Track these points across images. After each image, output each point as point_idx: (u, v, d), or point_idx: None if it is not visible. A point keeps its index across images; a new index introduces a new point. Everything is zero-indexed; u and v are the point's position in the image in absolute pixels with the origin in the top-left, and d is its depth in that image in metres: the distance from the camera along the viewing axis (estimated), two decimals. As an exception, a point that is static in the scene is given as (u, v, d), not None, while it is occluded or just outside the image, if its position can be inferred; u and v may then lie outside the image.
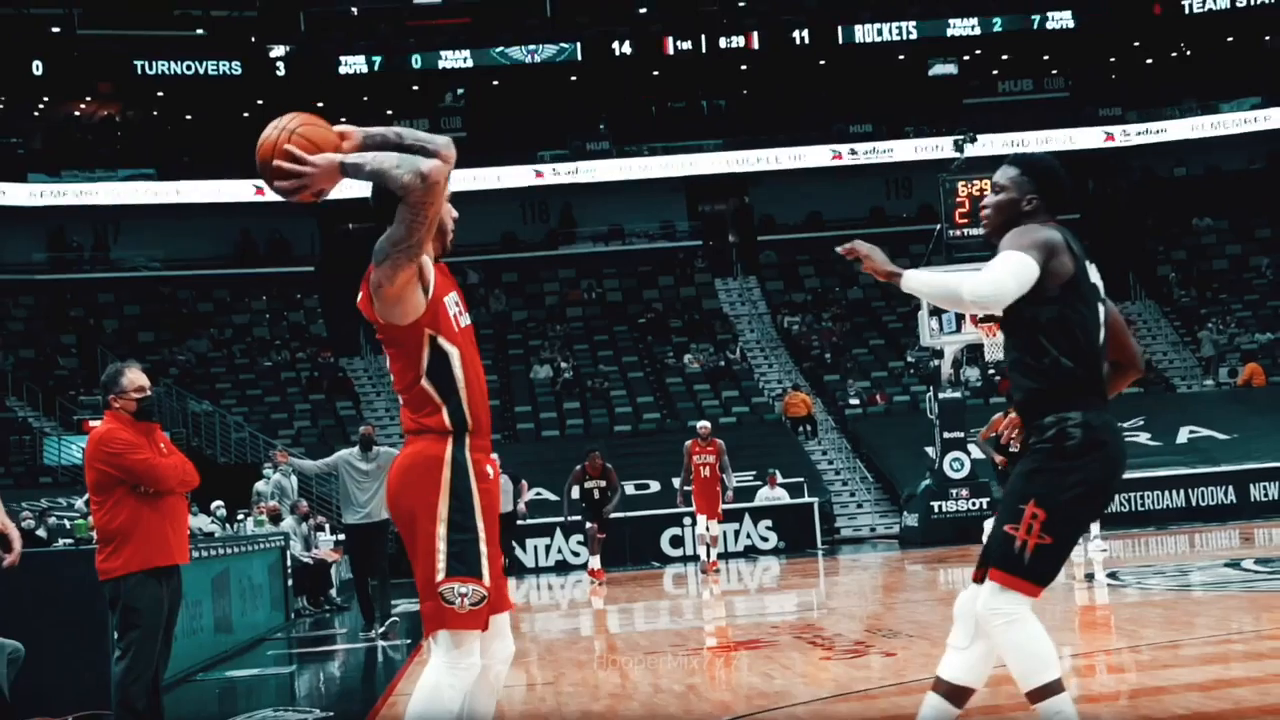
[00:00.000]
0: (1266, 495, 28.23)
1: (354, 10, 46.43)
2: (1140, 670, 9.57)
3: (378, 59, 44.50)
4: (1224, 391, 37.52)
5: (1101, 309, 5.62)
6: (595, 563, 22.47)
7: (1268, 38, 47.28)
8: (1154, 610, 13.60)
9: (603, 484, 22.01)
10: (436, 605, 5.31)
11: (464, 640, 5.36)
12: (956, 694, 5.66)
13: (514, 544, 25.82)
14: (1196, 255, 44.74)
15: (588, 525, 22.23)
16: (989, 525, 20.30)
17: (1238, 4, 45.43)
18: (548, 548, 27.80)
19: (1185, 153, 46.20)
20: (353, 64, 44.26)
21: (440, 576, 5.30)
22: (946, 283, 5.55)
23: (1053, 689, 5.41)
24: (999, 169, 5.80)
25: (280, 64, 44.10)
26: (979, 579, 5.63)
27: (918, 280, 5.58)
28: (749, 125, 45.48)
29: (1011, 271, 5.43)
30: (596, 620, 17.58)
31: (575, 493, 22.26)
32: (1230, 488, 28.51)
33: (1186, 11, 45.76)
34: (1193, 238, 45.26)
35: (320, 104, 45.53)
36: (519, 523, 25.44)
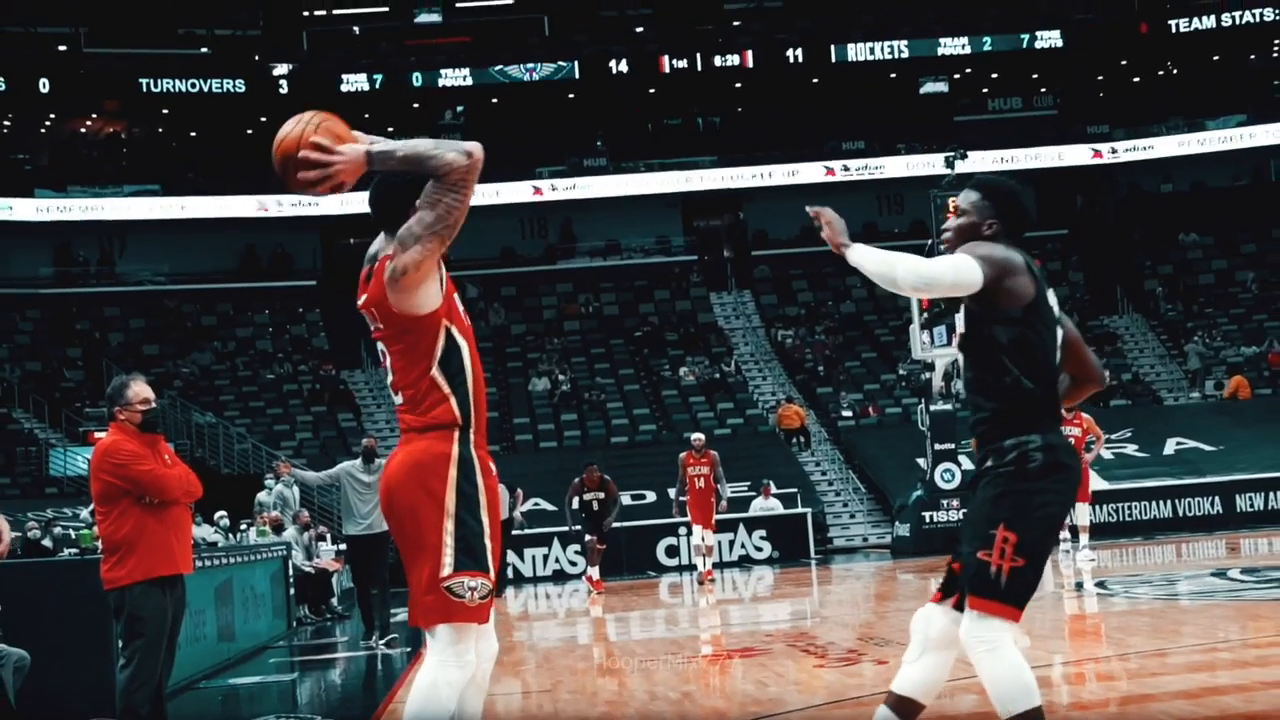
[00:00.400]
0: (1252, 506, 28.23)
1: (355, 29, 46.50)
2: (1128, 678, 9.56)
3: (379, 77, 44.52)
4: (1210, 404, 37.52)
5: (1059, 330, 5.60)
6: (594, 573, 22.44)
7: (1253, 56, 47.40)
8: (1142, 619, 13.59)
9: (601, 495, 21.92)
10: (440, 599, 5.27)
11: (466, 634, 5.35)
12: (904, 706, 5.63)
13: (508, 552, 25.69)
14: (1183, 270, 44.77)
15: (586, 537, 22.20)
16: None
17: (1223, 24, 45.54)
18: (545, 557, 27.75)
19: (1172, 169, 46.24)
20: (354, 82, 44.27)
21: (447, 571, 5.26)
22: (888, 260, 5.48)
23: (1033, 717, 5.36)
24: (962, 192, 5.78)
25: (283, 82, 44.10)
26: (939, 600, 5.61)
27: (862, 254, 5.51)
28: (743, 142, 45.52)
29: (953, 266, 5.42)
30: (594, 629, 17.56)
31: (575, 504, 22.20)
32: (1216, 498, 28.50)
33: (1173, 31, 45.88)
34: (1179, 252, 45.29)
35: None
36: (514, 531, 25.43)
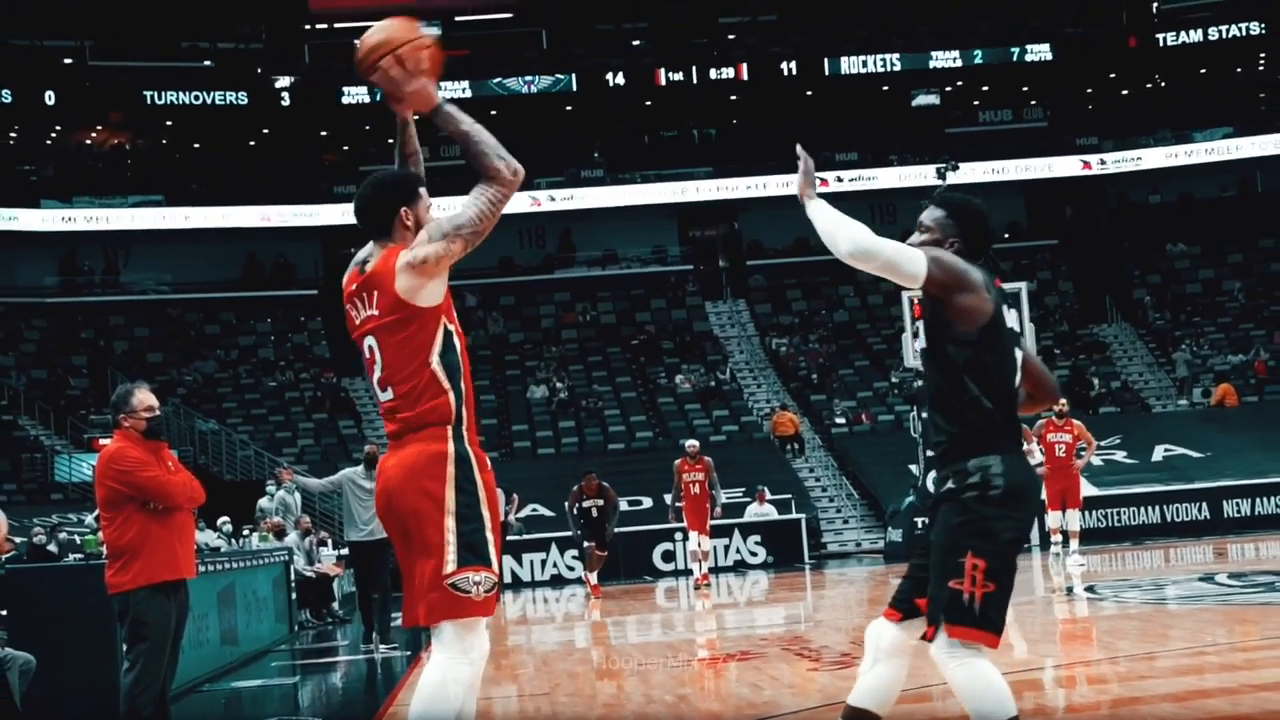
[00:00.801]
0: (1239, 511, 28.24)
1: (356, 43, 46.43)
2: (1118, 682, 9.57)
3: (380, 90, 44.41)
4: (1198, 411, 37.55)
5: (1018, 352, 5.54)
6: (593, 578, 22.43)
7: (1239, 70, 47.50)
8: (1131, 623, 13.60)
9: (600, 503, 21.88)
10: (445, 596, 5.25)
11: (473, 629, 5.34)
12: (856, 717, 5.60)
13: (505, 557, 25.65)
14: (1171, 279, 44.80)
15: (585, 544, 22.20)
16: None
17: (1210, 37, 45.61)
18: (543, 562, 27.74)
19: (1160, 180, 46.26)
20: (355, 94, 44.32)
21: (451, 568, 5.25)
22: (841, 223, 5.42)
23: None
24: (926, 209, 5.74)
25: (285, 94, 44.18)
26: (897, 619, 5.54)
27: (819, 209, 5.48)
28: (738, 154, 45.53)
29: (897, 249, 5.36)
30: (591, 633, 17.55)
31: (574, 511, 22.15)
32: (1204, 504, 28.51)
33: (1161, 45, 45.95)
34: (1167, 262, 45.32)
35: (324, 132, 45.74)
36: (511, 537, 25.41)
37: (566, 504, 22.37)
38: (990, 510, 5.34)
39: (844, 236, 5.40)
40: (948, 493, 5.44)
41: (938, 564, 5.41)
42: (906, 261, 5.36)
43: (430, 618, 5.31)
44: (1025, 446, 19.89)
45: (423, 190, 5.63)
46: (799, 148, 5.64)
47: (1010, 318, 5.54)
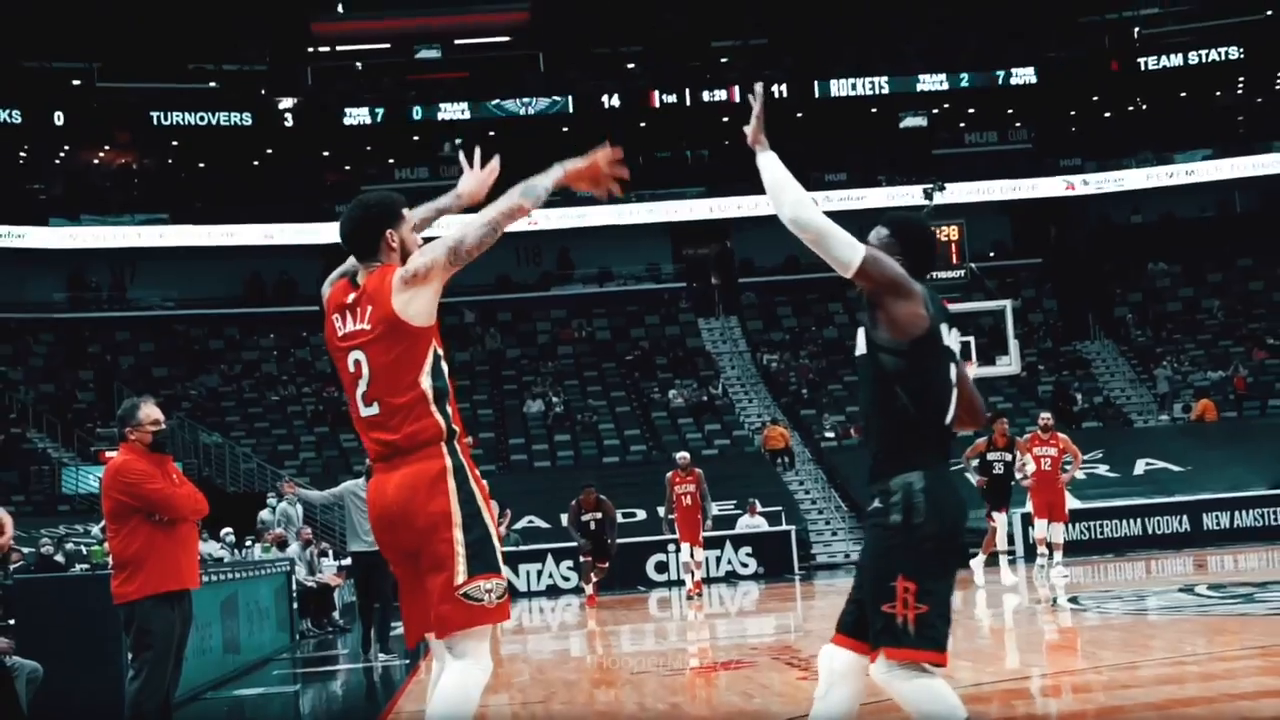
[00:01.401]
0: (1218, 524, 28.25)
1: (358, 65, 46.60)
2: (1102, 691, 9.57)
3: (380, 111, 44.65)
4: (1178, 426, 37.57)
5: (953, 369, 5.47)
6: (589, 589, 22.42)
7: (1219, 93, 47.65)
8: (1113, 633, 13.60)
9: (599, 515, 21.84)
10: (458, 607, 5.23)
11: (486, 636, 5.35)
12: None
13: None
14: (1152, 298, 44.88)
15: (581, 558, 22.20)
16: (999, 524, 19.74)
17: (1190, 62, 45.81)
18: (539, 572, 27.71)
19: (1141, 201, 46.37)
20: (357, 115, 44.42)
21: (462, 579, 5.23)
22: (785, 184, 5.36)
23: None
24: (873, 228, 5.70)
25: (288, 115, 44.26)
26: (842, 642, 5.45)
27: (769, 163, 5.44)
28: (730, 174, 45.51)
29: (836, 228, 5.28)
30: (586, 642, 17.53)
31: (576, 525, 22.11)
32: (1184, 517, 28.51)
33: (1142, 69, 46.13)
34: (1148, 281, 45.40)
35: (326, 152, 45.78)
36: (505, 549, 25.42)
37: (566, 518, 22.33)
38: (914, 532, 5.27)
39: (789, 200, 5.33)
40: (873, 513, 5.40)
41: (869, 588, 5.37)
42: (842, 244, 5.28)
43: (446, 629, 5.28)
44: (1019, 460, 19.92)
45: (406, 212, 5.62)
46: (757, 86, 5.56)
47: (952, 338, 5.48)
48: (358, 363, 5.43)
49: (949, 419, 5.44)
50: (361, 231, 5.52)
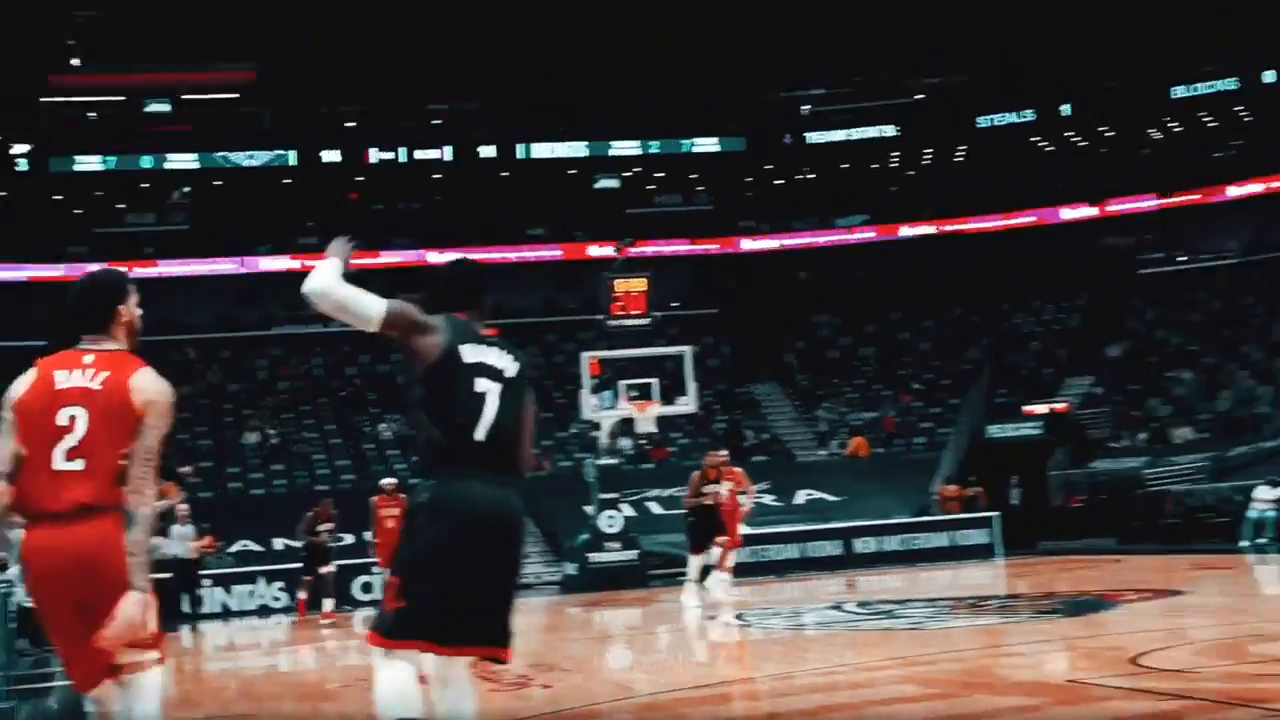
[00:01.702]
0: (868, 548, 28.84)
1: (93, 115, 45.20)
2: (765, 699, 9.73)
3: (113, 159, 43.43)
4: (835, 460, 38.55)
5: (490, 389, 5.50)
6: (304, 596, 22.84)
7: (875, 166, 49.43)
8: (774, 646, 13.84)
9: (331, 526, 22.78)
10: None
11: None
12: None
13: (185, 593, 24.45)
14: (815, 346, 46.12)
15: (305, 577, 22.50)
16: None
17: (851, 138, 47.64)
18: (250, 593, 26.96)
19: (807, 260, 47.80)
20: (88, 162, 43.17)
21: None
22: (321, 271, 5.47)
23: None
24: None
25: (21, 160, 42.80)
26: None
27: (323, 265, 5.51)
28: (441, 228, 45.39)
29: (357, 293, 5.46)
30: (295, 659, 17.13)
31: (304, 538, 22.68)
32: (839, 542, 29.02)
33: (807, 142, 47.78)
34: (812, 331, 46.66)
35: (59, 197, 44.12)
36: (210, 572, 25.45)
37: (300, 527, 23.00)
38: (412, 534, 5.39)
39: (314, 278, 5.44)
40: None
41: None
42: (362, 306, 5.47)
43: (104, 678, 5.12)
44: (720, 488, 19.76)
45: (131, 288, 5.42)
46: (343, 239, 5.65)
47: (490, 356, 5.59)
48: (73, 419, 5.10)
49: (483, 433, 5.45)
50: (97, 305, 5.30)
